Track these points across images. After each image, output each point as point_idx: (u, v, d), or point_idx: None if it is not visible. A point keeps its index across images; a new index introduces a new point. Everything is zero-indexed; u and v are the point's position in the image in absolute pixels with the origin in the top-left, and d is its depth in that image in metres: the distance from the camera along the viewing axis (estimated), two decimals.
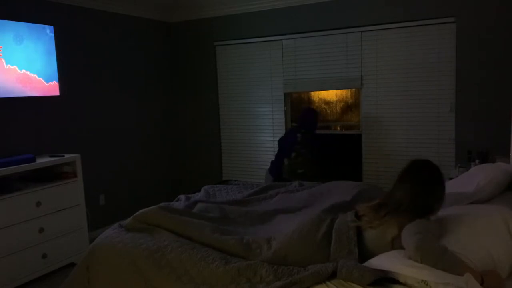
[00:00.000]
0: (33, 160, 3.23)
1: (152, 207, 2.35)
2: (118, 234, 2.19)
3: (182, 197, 2.83)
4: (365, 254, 1.81)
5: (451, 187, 2.20)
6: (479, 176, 2.08)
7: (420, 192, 1.81)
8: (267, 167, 4.10)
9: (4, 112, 3.40)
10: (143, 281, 1.94)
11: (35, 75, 3.43)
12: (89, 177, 3.94)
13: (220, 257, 1.90)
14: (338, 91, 4.60)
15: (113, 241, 2.14)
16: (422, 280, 1.48)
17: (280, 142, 4.05)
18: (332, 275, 1.68)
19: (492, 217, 1.79)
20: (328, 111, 4.75)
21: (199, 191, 3.02)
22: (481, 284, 1.49)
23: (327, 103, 4.75)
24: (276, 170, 3.94)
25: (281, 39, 4.58)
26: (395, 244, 1.77)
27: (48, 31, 3.50)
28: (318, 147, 3.99)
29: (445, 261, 1.54)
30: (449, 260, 1.55)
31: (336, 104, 4.70)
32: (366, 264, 1.69)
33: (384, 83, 4.15)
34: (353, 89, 4.46)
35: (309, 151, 3.82)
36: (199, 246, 2.01)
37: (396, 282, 1.57)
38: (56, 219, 3.34)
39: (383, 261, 1.65)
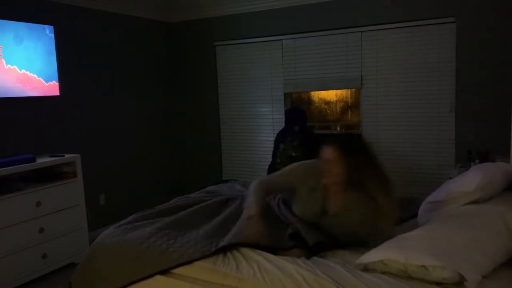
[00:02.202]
0: (33, 160, 3.23)
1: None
2: (119, 232, 2.20)
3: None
4: None
5: (450, 186, 2.20)
6: (479, 176, 2.07)
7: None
8: (267, 168, 4.10)
9: (4, 112, 3.40)
10: (145, 276, 1.95)
11: (35, 75, 3.43)
12: (89, 177, 3.94)
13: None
14: (338, 91, 4.60)
15: (114, 239, 2.14)
16: (422, 265, 1.53)
17: (275, 140, 4.06)
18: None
19: (489, 215, 1.82)
20: (328, 111, 4.75)
21: (199, 190, 3.02)
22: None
23: (327, 103, 4.75)
24: (270, 165, 3.96)
25: (281, 39, 4.58)
26: None
27: (48, 31, 3.50)
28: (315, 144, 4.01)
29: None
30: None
31: (336, 104, 4.70)
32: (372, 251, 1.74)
33: (384, 83, 4.14)
34: (353, 89, 4.46)
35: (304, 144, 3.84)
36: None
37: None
38: (56, 219, 3.34)
39: (385, 248, 1.68)
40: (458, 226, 1.79)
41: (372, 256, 1.67)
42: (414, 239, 1.73)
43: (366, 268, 1.68)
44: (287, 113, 4.15)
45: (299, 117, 3.97)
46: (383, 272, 1.64)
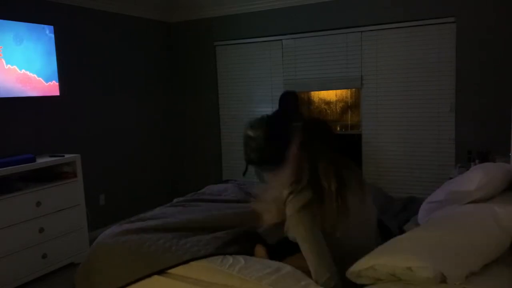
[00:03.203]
0: (33, 160, 3.23)
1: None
2: (120, 232, 2.20)
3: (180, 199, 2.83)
4: None
5: (451, 185, 2.20)
6: (479, 175, 2.07)
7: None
8: None
9: (4, 112, 3.40)
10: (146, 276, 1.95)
11: (35, 75, 3.43)
12: (89, 177, 3.93)
13: None
14: (338, 91, 4.60)
15: (114, 239, 2.14)
16: (407, 267, 1.50)
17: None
18: None
19: (481, 213, 1.81)
20: (328, 111, 4.75)
21: (199, 190, 3.03)
22: None
23: (327, 103, 4.75)
24: None
25: (281, 39, 4.58)
26: None
27: (47, 32, 3.50)
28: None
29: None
30: None
31: (336, 104, 4.70)
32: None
33: (384, 83, 4.15)
34: (353, 89, 4.46)
35: None
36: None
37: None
38: (56, 219, 3.34)
39: (375, 253, 1.67)
40: (449, 225, 1.78)
41: (363, 262, 1.65)
42: (402, 241, 1.72)
43: (359, 275, 1.66)
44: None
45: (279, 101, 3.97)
46: (376, 279, 1.61)
